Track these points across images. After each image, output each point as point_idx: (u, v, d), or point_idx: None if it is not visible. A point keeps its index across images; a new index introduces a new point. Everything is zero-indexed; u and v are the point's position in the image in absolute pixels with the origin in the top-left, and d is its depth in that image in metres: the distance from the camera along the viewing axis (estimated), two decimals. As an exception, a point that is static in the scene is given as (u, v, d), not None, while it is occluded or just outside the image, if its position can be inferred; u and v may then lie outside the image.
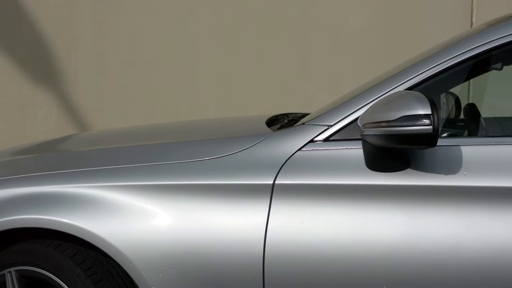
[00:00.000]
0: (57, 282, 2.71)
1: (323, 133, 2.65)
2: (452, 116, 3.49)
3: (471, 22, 6.00)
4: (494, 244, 2.40)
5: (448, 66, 2.63)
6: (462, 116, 3.50)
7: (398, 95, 2.49)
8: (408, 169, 2.52)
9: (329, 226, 2.50)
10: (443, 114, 3.45)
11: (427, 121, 2.37)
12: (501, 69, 3.07)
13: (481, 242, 2.41)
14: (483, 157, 2.51)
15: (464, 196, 2.46)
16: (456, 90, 3.52)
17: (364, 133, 2.50)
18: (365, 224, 2.49)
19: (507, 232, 2.40)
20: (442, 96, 3.45)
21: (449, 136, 3.17)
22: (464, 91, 4.07)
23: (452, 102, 3.53)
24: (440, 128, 3.09)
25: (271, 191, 2.57)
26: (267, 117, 3.32)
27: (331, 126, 2.65)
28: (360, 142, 2.56)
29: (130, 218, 2.62)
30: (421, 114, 2.38)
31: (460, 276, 2.41)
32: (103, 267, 2.69)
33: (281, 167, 2.61)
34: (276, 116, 3.45)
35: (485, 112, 3.74)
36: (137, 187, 2.66)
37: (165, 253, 2.59)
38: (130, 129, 3.92)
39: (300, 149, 2.64)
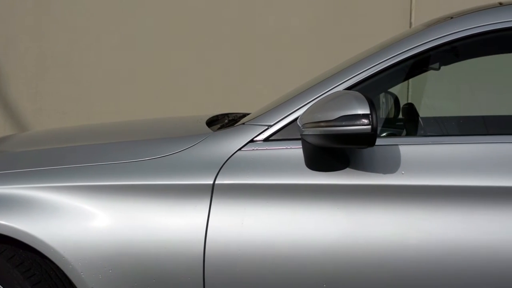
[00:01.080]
0: (-6, 285, 2.67)
1: (263, 133, 2.65)
2: (391, 115, 3.52)
3: (410, 23, 6.07)
4: (432, 242, 2.43)
5: (387, 66, 2.66)
6: (401, 115, 3.53)
7: (337, 95, 2.50)
8: (347, 169, 2.54)
9: (269, 226, 2.51)
10: (382, 114, 3.48)
11: (365, 121, 2.39)
12: (438, 69, 3.10)
13: (419, 239, 2.44)
14: (421, 156, 2.54)
15: (402, 195, 2.49)
16: (395, 90, 3.56)
17: (304, 133, 2.51)
18: (305, 223, 2.49)
19: (445, 230, 2.43)
20: (382, 95, 3.48)
21: (388, 135, 3.20)
22: (404, 91, 4.11)
23: (391, 102, 3.57)
24: (379, 128, 3.13)
25: (211, 191, 2.57)
26: (208, 117, 3.31)
27: (271, 126, 2.66)
28: (300, 141, 2.57)
29: (69, 219, 2.59)
30: (359, 114, 2.40)
31: (399, 274, 2.44)
32: (41, 269, 2.66)
33: (221, 167, 2.60)
34: (217, 116, 3.45)
35: (424, 111, 3.79)
36: (76, 187, 2.64)
37: (104, 254, 2.57)
38: (69, 129, 3.88)
39: (240, 149, 2.64)
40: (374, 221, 2.47)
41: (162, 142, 2.79)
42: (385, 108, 3.53)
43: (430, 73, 3.15)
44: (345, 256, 2.46)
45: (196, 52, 6.34)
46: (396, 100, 3.57)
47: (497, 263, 2.40)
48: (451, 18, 2.78)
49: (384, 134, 3.25)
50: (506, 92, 4.32)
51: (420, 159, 2.53)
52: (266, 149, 2.62)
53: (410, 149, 2.55)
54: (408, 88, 4.37)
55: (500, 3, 2.82)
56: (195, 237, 2.53)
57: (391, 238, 2.45)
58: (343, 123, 2.41)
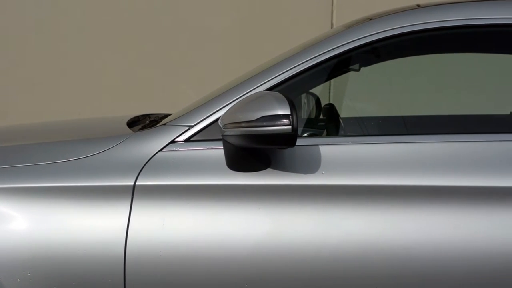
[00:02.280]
0: None
1: (184, 134, 2.64)
2: (313, 116, 3.55)
3: (332, 24, 6.12)
4: (352, 241, 2.46)
5: (308, 67, 2.68)
6: (322, 116, 3.56)
7: (258, 96, 2.51)
8: (269, 169, 2.55)
9: (190, 227, 2.50)
10: (304, 114, 3.51)
11: (286, 121, 2.40)
12: (358, 70, 3.14)
13: (340, 239, 2.46)
14: (341, 156, 2.56)
15: (323, 195, 2.51)
16: (317, 90, 3.58)
17: (225, 134, 2.51)
18: (227, 224, 2.50)
19: (365, 229, 2.46)
20: (303, 96, 3.50)
21: (309, 136, 3.22)
22: (325, 92, 4.14)
23: (312, 102, 3.59)
24: (300, 128, 3.15)
25: (132, 192, 2.55)
26: (129, 118, 3.29)
27: (192, 126, 2.65)
28: (221, 142, 2.57)
29: None
30: (280, 114, 2.41)
31: (320, 273, 2.46)
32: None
33: (142, 168, 2.58)
34: (138, 116, 3.43)
35: (344, 112, 3.82)
36: None
37: (23, 258, 2.52)
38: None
39: (161, 150, 2.63)
40: (295, 221, 2.48)
41: (82, 143, 2.76)
42: (307, 108, 3.55)
43: (351, 74, 3.18)
44: (267, 256, 2.47)
45: (120, 52, 6.29)
46: (318, 101, 3.60)
47: (415, 261, 2.44)
48: (370, 19, 2.82)
49: (305, 134, 3.27)
50: (425, 93, 4.40)
51: (341, 159, 2.56)
52: (187, 149, 2.62)
53: (330, 149, 2.57)
54: (329, 89, 4.40)
55: (418, 5, 2.87)
56: (115, 238, 2.51)
57: (312, 238, 2.47)
58: (264, 124, 2.42)
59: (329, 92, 4.30)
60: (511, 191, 2.47)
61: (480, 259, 2.43)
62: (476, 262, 2.43)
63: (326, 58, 2.69)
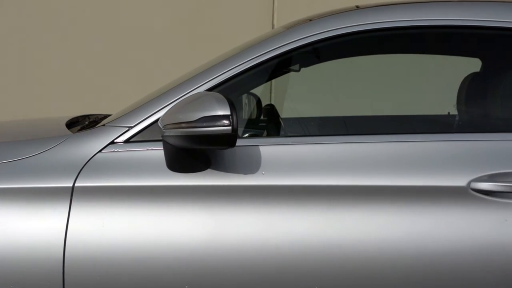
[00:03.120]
0: None
1: (124, 135, 2.63)
2: (253, 117, 3.55)
3: (273, 24, 6.14)
4: (293, 241, 2.48)
5: (248, 67, 2.69)
6: (263, 117, 3.56)
7: (198, 96, 2.51)
8: (209, 170, 2.55)
9: (130, 228, 2.49)
10: (245, 115, 3.51)
11: (226, 122, 2.41)
12: (298, 71, 3.15)
13: (280, 239, 2.48)
14: (282, 156, 2.58)
15: (263, 195, 2.52)
16: (258, 91, 3.58)
17: (165, 134, 2.51)
18: (167, 225, 2.49)
19: (305, 230, 2.48)
20: (244, 97, 3.50)
21: (250, 136, 3.22)
22: (266, 92, 4.15)
23: (253, 103, 3.59)
24: (241, 129, 3.15)
25: (71, 194, 2.52)
26: (68, 119, 3.25)
27: (131, 127, 2.64)
28: (161, 143, 2.56)
29: None
30: (220, 115, 2.42)
31: (262, 273, 2.47)
32: None
33: (80, 170, 2.56)
34: (77, 117, 3.39)
35: (285, 112, 3.83)
36: None
37: None
38: None
39: (100, 151, 2.60)
40: (235, 222, 2.49)
41: (20, 144, 2.72)
42: (248, 109, 3.55)
43: (292, 75, 3.19)
44: (207, 257, 2.47)
45: (59, 52, 6.22)
46: (259, 101, 3.61)
47: (354, 261, 2.47)
48: (310, 20, 2.84)
49: (246, 135, 3.27)
50: (365, 93, 4.43)
51: (281, 159, 2.57)
52: (127, 150, 2.60)
53: (270, 150, 2.59)
54: (271, 90, 4.41)
55: (357, 6, 2.89)
56: (54, 241, 2.48)
57: (253, 238, 2.48)
58: (204, 124, 2.43)
59: (270, 93, 4.31)
60: (447, 189, 2.51)
61: (415, 258, 2.48)
62: (408, 261, 2.47)
63: (267, 59, 2.70)
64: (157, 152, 2.58)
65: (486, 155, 2.56)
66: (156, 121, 2.61)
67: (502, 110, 2.91)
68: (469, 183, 2.51)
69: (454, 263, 2.47)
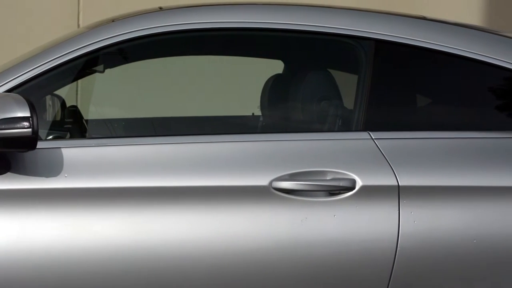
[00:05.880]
0: None
1: None
2: (57, 118, 3.48)
3: (78, 25, 6.05)
4: (101, 242, 2.49)
5: (50, 68, 2.66)
6: (66, 118, 3.50)
7: (-4, 98, 2.45)
8: (8, 173, 2.50)
9: None
10: (48, 117, 3.43)
11: (26, 124, 2.37)
12: (103, 72, 3.12)
13: (88, 240, 2.48)
14: (85, 158, 2.57)
15: (67, 198, 2.50)
16: (64, 92, 3.52)
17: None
18: None
19: (114, 231, 2.50)
20: (48, 98, 3.42)
21: (53, 138, 3.16)
22: (72, 94, 4.08)
23: (57, 104, 3.52)
24: (45, 131, 3.09)
25: None
26: None
27: None
28: None
29: None
30: (19, 117, 2.38)
31: (71, 275, 2.47)
32: None
33: None
34: None
35: (90, 114, 3.78)
36: None
37: None
38: None
39: None
40: (39, 225, 2.46)
41: None
42: (51, 111, 3.47)
43: (98, 76, 3.15)
44: (8, 263, 2.44)
45: None
46: (63, 103, 3.54)
47: (164, 261, 2.51)
48: (113, 21, 2.83)
49: (50, 137, 3.21)
50: (172, 95, 4.45)
51: (84, 162, 2.56)
52: None
53: (73, 152, 2.57)
54: (77, 91, 4.34)
55: (161, 8, 2.91)
56: None
57: (60, 241, 2.46)
58: (2, 126, 2.38)
59: (77, 94, 4.24)
60: (250, 189, 2.57)
61: (222, 256, 2.54)
62: (212, 261, 2.54)
63: (69, 59, 2.68)
64: None
65: (288, 155, 2.64)
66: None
67: (303, 110, 3.00)
68: (271, 182, 2.58)
69: (258, 261, 2.54)
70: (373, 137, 2.67)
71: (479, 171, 2.65)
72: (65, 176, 2.51)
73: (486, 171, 2.65)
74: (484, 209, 2.62)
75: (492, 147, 2.70)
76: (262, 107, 3.13)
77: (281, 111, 3.10)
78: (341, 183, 2.59)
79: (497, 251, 2.61)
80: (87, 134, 3.39)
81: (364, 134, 2.69)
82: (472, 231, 2.60)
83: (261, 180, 2.58)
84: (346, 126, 2.83)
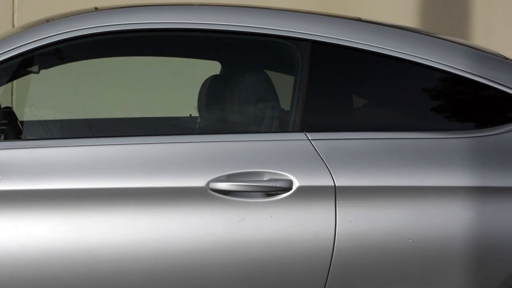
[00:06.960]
0: None
1: None
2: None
3: (13, 25, 5.98)
4: (38, 243, 2.50)
5: None
6: (1, 120, 3.45)
7: None
8: None
9: None
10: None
11: None
12: (38, 72, 3.08)
13: (25, 242, 2.49)
14: (19, 160, 2.55)
15: (1, 200, 2.49)
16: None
17: None
18: None
19: (46, 234, 2.50)
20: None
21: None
22: (8, 95, 4.03)
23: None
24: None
25: None
26: None
27: None
28: None
29: None
30: None
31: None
32: None
33: None
34: None
35: (26, 115, 3.73)
36: None
37: None
38: None
39: None
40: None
41: None
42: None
43: (33, 76, 3.12)
44: None
45: None
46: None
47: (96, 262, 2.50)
48: (48, 21, 2.80)
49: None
50: (108, 95, 4.42)
51: (18, 164, 2.54)
52: None
53: (7, 154, 2.56)
54: (12, 92, 4.29)
55: (96, 8, 2.89)
56: None
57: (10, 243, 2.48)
58: None
59: (12, 95, 4.19)
60: (187, 190, 2.57)
61: (158, 258, 2.55)
62: (148, 263, 2.54)
63: (3, 60, 2.66)
64: None
65: (225, 156, 2.65)
66: None
67: (240, 111, 3.01)
68: (208, 183, 2.58)
69: (195, 262, 2.54)
70: (310, 138, 2.69)
71: (414, 171, 2.69)
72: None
73: (420, 171, 2.69)
74: (419, 209, 2.65)
75: (426, 148, 2.74)
76: (199, 108, 3.13)
77: (218, 112, 3.10)
78: (278, 184, 2.61)
79: (431, 250, 2.65)
80: (22, 136, 3.35)
81: (300, 135, 2.70)
82: (407, 230, 2.64)
83: (198, 181, 2.59)
84: (283, 127, 2.85)
